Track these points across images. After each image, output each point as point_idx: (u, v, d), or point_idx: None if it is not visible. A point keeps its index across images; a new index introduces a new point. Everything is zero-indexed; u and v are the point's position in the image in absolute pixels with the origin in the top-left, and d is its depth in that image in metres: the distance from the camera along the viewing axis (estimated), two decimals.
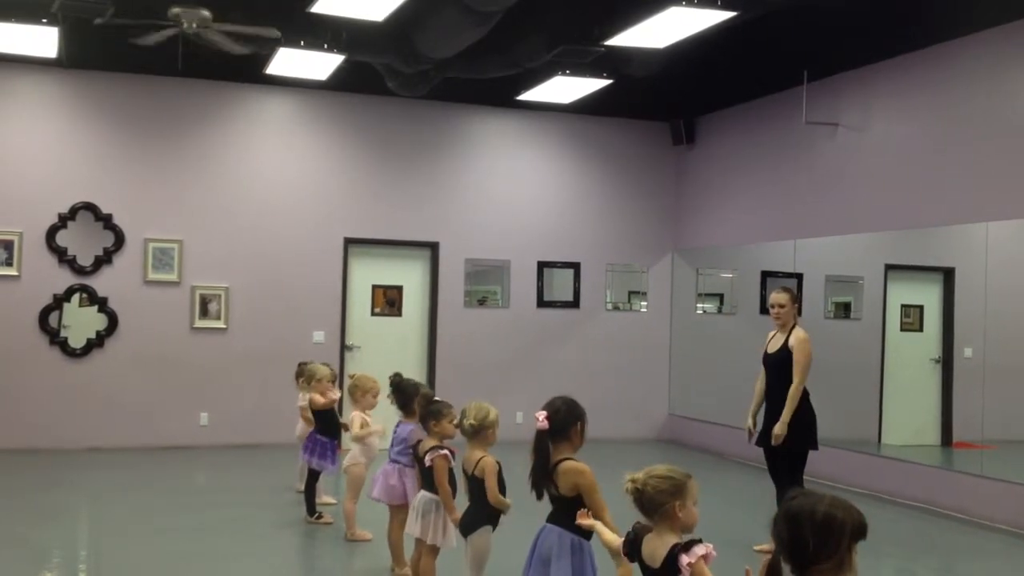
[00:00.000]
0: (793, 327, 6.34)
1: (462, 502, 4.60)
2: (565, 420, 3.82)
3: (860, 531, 2.40)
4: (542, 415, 3.81)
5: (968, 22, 7.53)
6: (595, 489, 3.71)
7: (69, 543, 6.41)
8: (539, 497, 3.84)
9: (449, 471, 4.77)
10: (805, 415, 6.25)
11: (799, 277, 9.61)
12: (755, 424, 6.56)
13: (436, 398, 5.13)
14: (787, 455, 6.28)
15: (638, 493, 3.00)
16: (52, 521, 6.71)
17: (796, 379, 6.20)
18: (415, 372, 9.80)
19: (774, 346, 6.44)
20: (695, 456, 10.28)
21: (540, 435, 3.82)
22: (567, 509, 3.73)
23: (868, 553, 2.44)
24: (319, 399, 6.68)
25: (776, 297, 6.42)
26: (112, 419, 9.51)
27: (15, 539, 6.15)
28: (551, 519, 3.84)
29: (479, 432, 4.42)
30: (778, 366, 6.36)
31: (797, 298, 6.54)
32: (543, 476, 3.79)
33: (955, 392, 8.34)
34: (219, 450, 9.61)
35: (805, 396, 6.27)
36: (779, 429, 6.18)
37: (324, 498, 7.23)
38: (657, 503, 2.98)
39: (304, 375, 7.20)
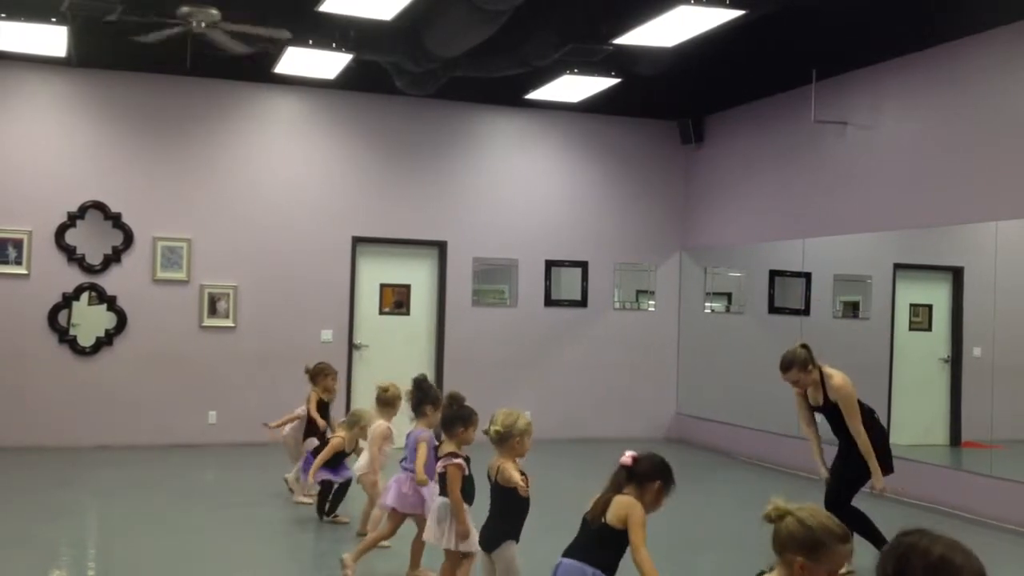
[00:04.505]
0: (822, 376, 5.82)
1: (481, 512, 4.45)
2: (647, 472, 3.68)
3: None
4: (631, 453, 3.71)
5: (978, 20, 7.51)
6: (643, 524, 3.57)
7: (77, 541, 6.43)
8: (593, 524, 3.66)
9: (465, 479, 4.61)
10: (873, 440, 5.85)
11: (807, 276, 9.60)
12: (826, 466, 6.06)
13: (466, 403, 4.90)
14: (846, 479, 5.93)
15: (773, 523, 2.61)
16: (60, 519, 6.73)
17: (853, 425, 5.80)
18: (423, 371, 9.80)
19: (815, 400, 5.96)
20: (702, 455, 10.26)
21: (620, 469, 3.71)
22: (601, 542, 3.59)
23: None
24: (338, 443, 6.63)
25: (785, 376, 5.88)
26: (121, 417, 9.55)
27: (23, 537, 6.18)
28: (572, 553, 3.66)
29: (505, 440, 4.22)
30: (830, 415, 5.94)
31: (809, 358, 5.84)
32: (604, 508, 3.64)
33: (964, 392, 8.30)
34: (227, 448, 9.64)
35: (875, 421, 5.92)
36: (877, 483, 5.82)
37: (301, 497, 7.26)
38: (781, 546, 2.57)
39: (312, 371, 7.36)
